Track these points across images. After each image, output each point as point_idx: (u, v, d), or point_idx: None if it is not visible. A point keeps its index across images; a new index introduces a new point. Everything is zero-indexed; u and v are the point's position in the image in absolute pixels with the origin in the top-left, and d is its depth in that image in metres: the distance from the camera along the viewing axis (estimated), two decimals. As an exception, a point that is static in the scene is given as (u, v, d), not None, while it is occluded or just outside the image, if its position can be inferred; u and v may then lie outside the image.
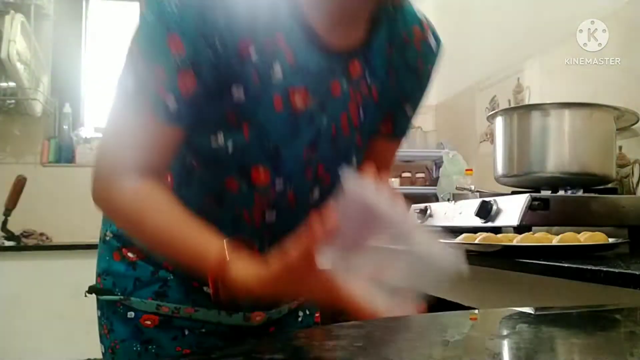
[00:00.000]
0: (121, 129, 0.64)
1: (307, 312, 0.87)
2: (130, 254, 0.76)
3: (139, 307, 0.75)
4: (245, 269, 0.59)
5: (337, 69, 0.68)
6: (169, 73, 0.60)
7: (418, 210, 1.66)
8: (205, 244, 0.61)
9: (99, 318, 0.79)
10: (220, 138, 0.65)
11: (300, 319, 0.85)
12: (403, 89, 0.81)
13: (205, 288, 0.72)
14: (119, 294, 0.75)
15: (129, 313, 0.75)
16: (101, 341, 0.79)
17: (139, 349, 0.74)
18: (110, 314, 0.76)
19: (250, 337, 0.77)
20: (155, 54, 0.62)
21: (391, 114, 0.80)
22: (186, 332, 0.75)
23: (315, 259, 0.53)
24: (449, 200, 1.62)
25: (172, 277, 0.75)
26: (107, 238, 0.78)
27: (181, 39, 0.60)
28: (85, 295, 0.82)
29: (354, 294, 0.54)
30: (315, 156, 0.69)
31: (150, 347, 0.75)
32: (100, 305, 0.78)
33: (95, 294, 0.79)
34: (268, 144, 0.66)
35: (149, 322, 0.75)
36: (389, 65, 0.75)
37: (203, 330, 0.76)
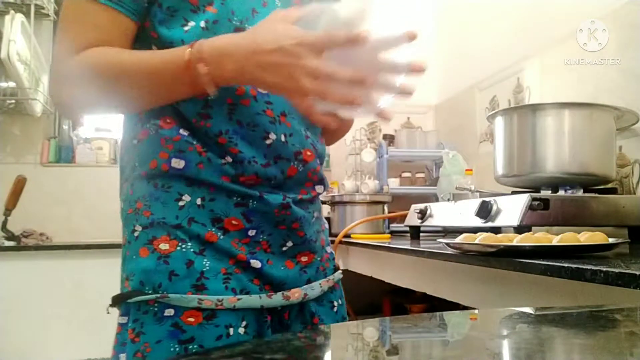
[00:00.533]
0: (71, 16, 0.73)
1: (340, 302, 0.89)
2: (162, 246, 0.72)
3: (179, 303, 0.70)
4: (218, 38, 0.67)
5: None
6: None
7: (418, 210, 1.66)
8: (173, 50, 0.69)
9: (123, 326, 0.74)
10: (191, 23, 0.72)
11: (335, 310, 0.87)
12: None
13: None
14: (150, 292, 0.71)
15: (166, 311, 0.70)
16: (119, 352, 0.75)
17: (177, 349, 0.69)
18: (141, 315, 0.71)
19: (291, 333, 0.70)
20: None
21: None
22: (231, 332, 0.72)
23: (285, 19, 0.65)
24: (449, 200, 1.62)
25: (208, 266, 0.72)
26: (136, 234, 0.74)
27: None
28: (108, 312, 0.79)
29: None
30: None
31: (191, 347, 0.70)
32: (125, 310, 0.74)
33: (122, 300, 0.73)
34: (234, 21, 0.73)
35: (191, 320, 0.70)
36: None
37: (245, 324, 0.73)
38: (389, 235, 2.12)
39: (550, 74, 1.88)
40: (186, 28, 0.72)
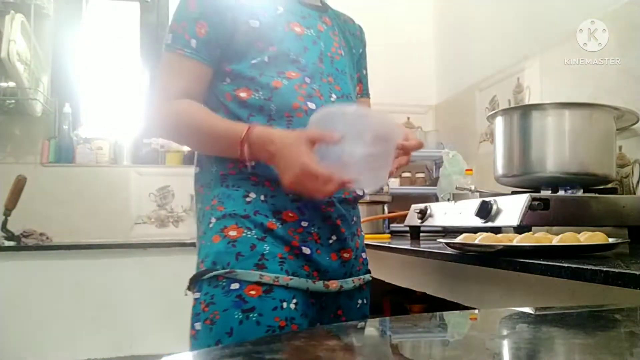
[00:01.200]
0: (163, 69, 0.97)
1: (365, 302, 1.06)
2: (232, 232, 0.90)
3: (243, 278, 0.87)
4: (264, 129, 0.90)
5: (316, 16, 1.05)
6: (189, 24, 0.95)
7: (418, 210, 1.66)
8: (235, 124, 0.92)
9: (196, 300, 0.89)
10: (258, 58, 0.95)
11: (359, 307, 1.04)
12: (357, 52, 1.15)
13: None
14: (219, 268, 0.88)
15: (232, 285, 0.86)
16: (195, 320, 0.88)
17: (240, 317, 0.85)
18: (211, 289, 0.88)
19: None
20: (181, 14, 0.97)
21: (359, 77, 1.17)
22: (284, 305, 0.88)
23: (308, 145, 0.85)
24: (449, 200, 1.62)
25: (268, 250, 0.90)
26: (211, 225, 0.92)
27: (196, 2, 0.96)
28: (186, 294, 0.93)
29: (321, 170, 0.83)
30: (324, 69, 0.99)
31: (251, 315, 0.85)
32: (199, 287, 0.90)
33: (197, 278, 0.90)
34: (290, 56, 0.97)
35: (253, 292, 0.86)
36: (342, 29, 1.10)
37: (295, 301, 0.89)
38: (389, 235, 2.12)
39: (550, 74, 1.88)
40: (253, 62, 0.95)
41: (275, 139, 0.87)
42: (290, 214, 0.93)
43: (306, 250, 0.93)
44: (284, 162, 0.87)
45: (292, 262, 0.91)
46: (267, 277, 0.88)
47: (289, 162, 0.86)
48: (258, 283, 0.87)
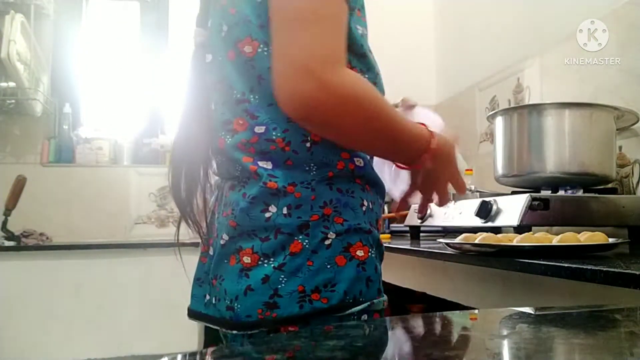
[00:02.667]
0: (321, 12, 0.67)
1: None
2: (359, 252, 0.72)
3: (375, 308, 0.74)
4: (443, 140, 0.79)
5: None
6: None
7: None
8: (419, 127, 0.77)
9: None
10: (360, 29, 0.75)
11: None
12: None
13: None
14: (351, 300, 0.71)
15: (362, 316, 0.72)
16: None
17: None
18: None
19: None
20: None
21: None
22: None
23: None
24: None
25: (380, 271, 0.77)
26: (328, 242, 0.71)
27: None
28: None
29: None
30: None
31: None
32: (319, 324, 0.69)
33: (332, 312, 0.70)
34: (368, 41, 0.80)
35: None
36: None
37: None
38: (389, 235, 2.12)
39: (550, 74, 1.88)
40: (359, 31, 0.75)
41: (446, 153, 0.80)
42: (380, 223, 0.81)
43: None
44: (444, 164, 0.80)
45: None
46: (385, 302, 0.76)
47: (447, 165, 0.80)
48: (380, 311, 0.75)
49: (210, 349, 0.40)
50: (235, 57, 0.75)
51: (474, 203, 1.29)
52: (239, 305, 0.70)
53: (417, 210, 0.95)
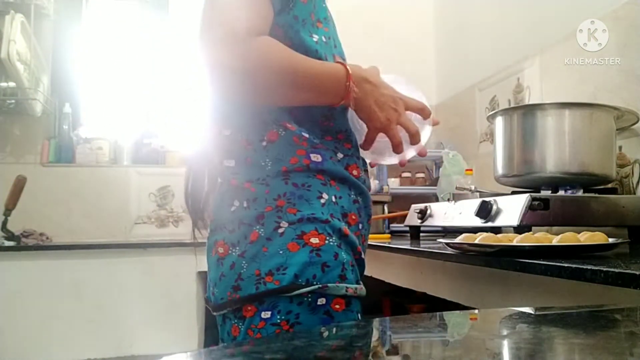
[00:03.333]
0: (226, 6, 0.77)
1: None
2: (313, 240, 0.78)
3: (332, 292, 0.78)
4: (357, 68, 0.85)
5: None
6: None
7: (418, 210, 1.66)
8: (330, 64, 0.83)
9: (265, 320, 0.77)
10: (315, 36, 0.85)
11: None
12: None
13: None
14: (304, 283, 0.76)
15: (319, 300, 0.77)
16: None
17: None
18: (295, 307, 0.77)
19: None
20: None
21: None
22: (358, 317, 0.82)
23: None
24: (449, 200, 1.62)
25: (345, 258, 0.81)
26: (281, 230, 0.78)
27: None
28: (216, 314, 0.82)
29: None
30: None
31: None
32: (270, 304, 0.77)
33: (278, 293, 0.76)
34: (335, 43, 0.91)
35: (337, 307, 0.79)
36: None
37: (360, 312, 0.83)
38: (389, 235, 2.12)
39: (550, 74, 1.88)
40: (315, 39, 0.84)
41: (369, 77, 0.84)
42: (353, 217, 0.85)
43: (362, 255, 0.86)
44: (382, 99, 0.85)
45: (356, 268, 0.84)
46: (350, 289, 0.80)
47: (387, 98, 0.85)
48: (343, 296, 0.79)
49: (210, 349, 0.40)
50: None
51: (474, 203, 1.29)
52: (216, 290, 0.82)
53: (395, 152, 0.90)
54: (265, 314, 0.77)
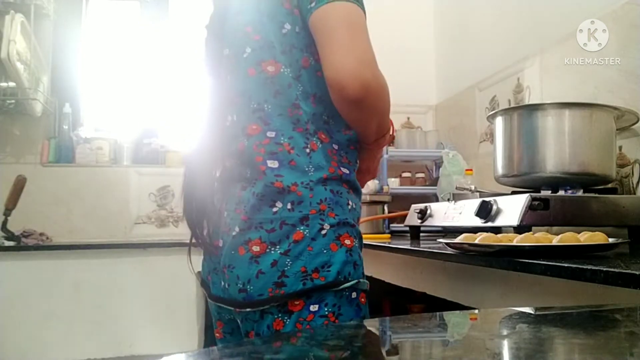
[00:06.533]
0: (363, 27, 0.87)
1: None
2: (347, 241, 0.88)
3: (361, 287, 0.89)
4: None
5: None
6: None
7: (418, 210, 1.66)
8: None
9: (314, 313, 0.85)
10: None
11: None
12: None
13: None
14: (342, 278, 0.86)
15: (352, 294, 0.88)
16: None
17: None
18: (338, 300, 0.86)
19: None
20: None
21: None
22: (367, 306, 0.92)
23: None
24: (449, 200, 1.62)
25: (363, 259, 0.92)
26: (324, 232, 0.87)
27: None
28: (278, 309, 0.86)
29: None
30: None
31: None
32: (319, 298, 0.85)
33: (328, 288, 0.85)
34: None
35: (363, 300, 0.90)
36: None
37: None
38: (389, 235, 2.12)
39: (550, 74, 1.88)
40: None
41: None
42: (359, 220, 0.96)
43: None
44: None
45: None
46: (368, 285, 0.92)
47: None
48: (365, 290, 0.90)
49: (210, 349, 0.40)
50: (256, 74, 0.91)
51: (474, 203, 1.29)
52: (251, 287, 0.85)
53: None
54: (314, 307, 0.85)
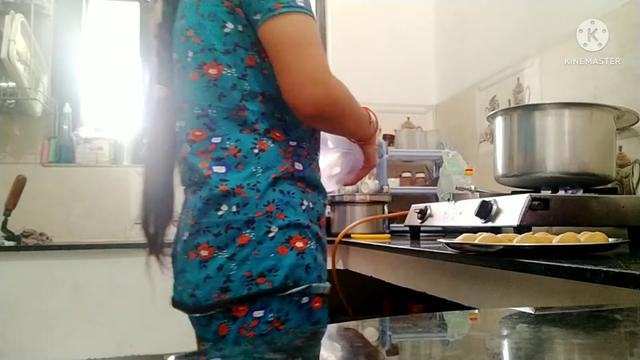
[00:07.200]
0: (313, 33, 0.85)
1: None
2: (298, 244, 0.86)
3: (314, 292, 0.86)
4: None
5: None
6: None
7: (418, 210, 1.66)
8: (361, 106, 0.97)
9: (259, 319, 0.82)
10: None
11: None
12: None
13: None
14: (292, 284, 0.84)
15: (303, 299, 0.85)
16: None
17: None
18: (286, 305, 0.84)
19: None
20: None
21: None
22: (327, 311, 0.89)
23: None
24: (449, 200, 1.62)
25: (321, 260, 0.89)
26: (271, 234, 0.84)
27: None
28: (210, 315, 0.85)
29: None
30: None
31: (319, 327, 0.84)
32: (264, 303, 0.83)
33: (272, 293, 0.82)
34: None
35: (317, 304, 0.87)
36: None
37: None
38: (389, 235, 2.12)
39: (550, 74, 1.88)
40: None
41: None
42: (322, 219, 0.94)
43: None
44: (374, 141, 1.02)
45: (325, 269, 0.92)
46: (327, 288, 0.89)
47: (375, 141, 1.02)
48: (321, 295, 0.88)
49: (210, 349, 0.40)
50: (198, 78, 0.89)
51: (474, 203, 1.29)
52: (199, 292, 0.85)
53: (349, 182, 1.12)
54: (258, 313, 0.83)
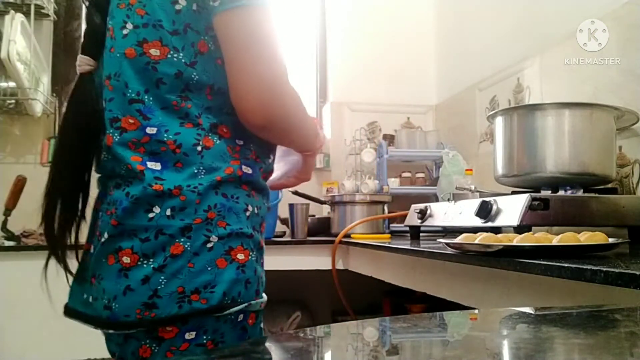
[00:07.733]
0: (274, 39, 0.77)
1: None
2: (240, 256, 0.75)
3: (251, 309, 0.77)
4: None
5: None
6: None
7: (418, 210, 1.66)
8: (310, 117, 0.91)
9: (190, 341, 0.72)
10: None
11: None
12: None
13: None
14: (229, 301, 0.73)
15: (239, 317, 0.75)
16: None
17: None
18: (222, 325, 0.74)
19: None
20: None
21: None
22: (262, 326, 0.81)
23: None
24: (449, 200, 1.62)
25: (260, 273, 0.80)
26: (210, 245, 0.73)
27: None
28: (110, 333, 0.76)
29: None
30: None
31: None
32: (198, 324, 0.72)
33: (210, 313, 0.72)
34: None
35: (250, 321, 0.77)
36: None
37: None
38: (389, 235, 2.12)
39: (550, 74, 1.88)
40: None
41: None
42: (264, 224, 0.84)
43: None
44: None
45: (264, 279, 0.82)
46: (263, 304, 0.79)
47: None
48: (256, 311, 0.78)
49: (209, 349, 0.40)
50: (136, 56, 0.76)
51: (474, 203, 1.29)
52: (117, 305, 0.72)
53: (274, 187, 1.02)
54: (190, 335, 0.72)
